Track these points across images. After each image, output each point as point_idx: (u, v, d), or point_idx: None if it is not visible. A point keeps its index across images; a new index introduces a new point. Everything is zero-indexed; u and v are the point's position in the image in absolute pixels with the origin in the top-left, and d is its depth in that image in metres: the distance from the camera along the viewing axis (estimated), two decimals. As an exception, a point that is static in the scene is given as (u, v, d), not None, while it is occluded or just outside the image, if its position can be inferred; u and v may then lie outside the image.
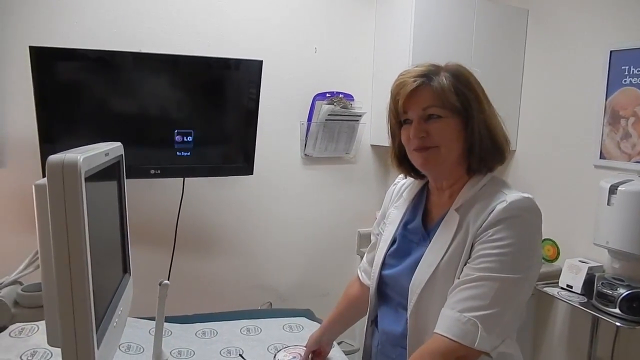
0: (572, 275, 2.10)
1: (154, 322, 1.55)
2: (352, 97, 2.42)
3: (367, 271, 1.29)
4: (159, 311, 0.97)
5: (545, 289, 2.15)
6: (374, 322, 1.21)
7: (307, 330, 1.55)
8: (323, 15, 2.38)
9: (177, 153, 1.90)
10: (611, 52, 2.09)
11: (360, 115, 2.38)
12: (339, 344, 1.56)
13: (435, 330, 0.94)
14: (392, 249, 1.14)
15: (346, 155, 2.50)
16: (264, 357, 1.40)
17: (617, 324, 1.83)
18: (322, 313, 1.52)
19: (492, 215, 0.95)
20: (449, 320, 0.92)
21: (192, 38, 2.10)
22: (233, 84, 1.98)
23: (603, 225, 1.97)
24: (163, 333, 1.52)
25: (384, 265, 1.15)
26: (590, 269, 2.06)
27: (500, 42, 2.44)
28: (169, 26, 2.06)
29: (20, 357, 1.20)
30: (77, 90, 1.73)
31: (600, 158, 2.15)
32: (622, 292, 1.85)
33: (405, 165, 1.13)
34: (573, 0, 2.28)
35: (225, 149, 2.03)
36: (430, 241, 1.04)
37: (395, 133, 1.11)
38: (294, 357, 1.40)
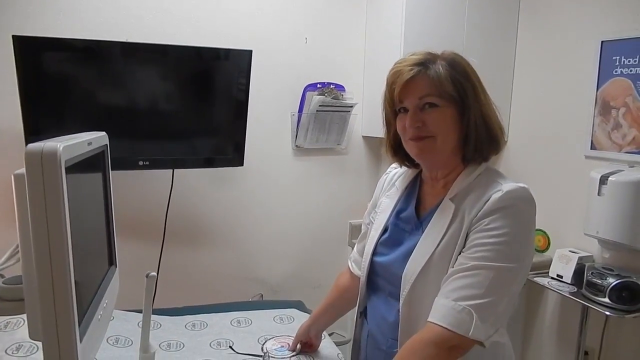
0: (563, 265, 2.11)
1: (141, 315, 1.55)
2: (344, 87, 2.40)
3: (357, 261, 1.29)
4: (146, 303, 0.96)
5: (535, 278, 2.16)
6: (363, 313, 1.20)
7: (297, 321, 1.54)
8: (314, 5, 2.35)
9: (166, 144, 1.88)
10: (602, 42, 2.08)
11: (351, 106, 2.36)
12: (330, 335, 1.55)
13: (428, 319, 0.93)
14: (383, 237, 1.14)
15: (338, 147, 2.49)
16: (254, 349, 1.40)
17: (607, 313, 1.84)
18: (313, 305, 1.52)
19: (487, 204, 0.95)
20: (443, 309, 0.92)
21: (180, 28, 2.07)
22: (222, 74, 1.95)
23: (593, 216, 1.98)
24: (152, 326, 1.52)
25: (375, 253, 1.14)
26: (580, 259, 2.07)
27: (491, 32, 2.43)
28: (157, 15, 2.03)
29: (5, 351, 1.19)
30: (63, 80, 1.70)
31: (591, 149, 2.15)
32: (612, 281, 1.86)
33: (400, 155, 1.12)
34: (564, -10, 2.27)
35: (215, 141, 2.01)
36: (422, 230, 1.04)
37: (390, 122, 1.09)
38: (282, 347, 1.40)
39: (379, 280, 1.13)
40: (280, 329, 1.53)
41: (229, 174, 2.26)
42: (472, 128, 1.01)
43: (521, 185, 0.98)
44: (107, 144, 0.90)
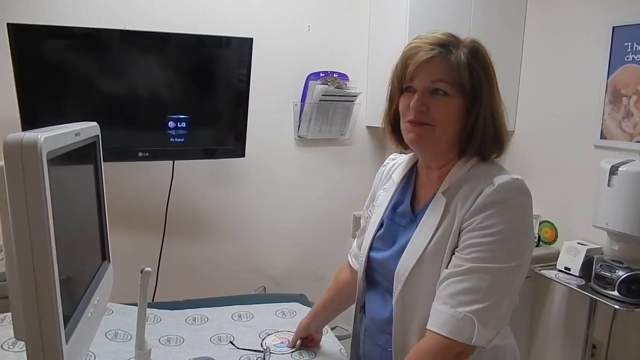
0: (571, 257, 2.07)
1: (143, 309, 1.53)
2: (347, 76, 2.35)
3: (357, 256, 1.25)
4: (141, 299, 0.93)
5: (542, 271, 2.12)
6: (362, 307, 1.17)
7: (299, 315, 1.51)
8: (316, -8, 2.30)
9: (167, 134, 1.85)
10: (614, 28, 2.02)
11: (355, 96, 2.32)
12: (333, 328, 1.53)
13: (428, 327, 0.90)
14: (380, 232, 1.10)
15: (341, 137, 2.45)
16: (255, 344, 1.37)
17: (615, 306, 1.81)
18: (316, 297, 1.49)
19: (479, 199, 0.91)
20: (443, 317, 0.88)
21: (181, 15, 2.02)
22: (222, 63, 1.91)
23: (602, 207, 1.93)
24: (152, 320, 1.50)
25: (372, 249, 1.10)
26: (588, 251, 2.03)
27: (499, 18, 2.37)
28: (155, 2, 1.98)
29: (2, 347, 1.17)
30: (60, 69, 1.67)
31: (601, 138, 2.10)
32: (621, 274, 1.82)
33: (397, 134, 1.06)
34: (574, -25, 2.21)
35: (216, 131, 1.97)
36: (417, 225, 1.00)
37: (394, 97, 1.03)
38: (282, 342, 1.37)
39: (376, 276, 1.10)
40: (282, 323, 1.51)
41: (230, 165, 2.23)
42: (481, 124, 0.95)
43: (514, 176, 0.93)
44: (98, 135, 0.87)
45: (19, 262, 0.56)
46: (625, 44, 1.99)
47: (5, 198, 0.56)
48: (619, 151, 2.02)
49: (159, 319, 1.51)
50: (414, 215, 1.03)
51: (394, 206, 1.09)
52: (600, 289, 1.88)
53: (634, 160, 1.87)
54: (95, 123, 0.86)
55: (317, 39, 2.31)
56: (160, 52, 1.81)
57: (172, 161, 2.03)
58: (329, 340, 1.43)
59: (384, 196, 1.13)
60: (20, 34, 1.56)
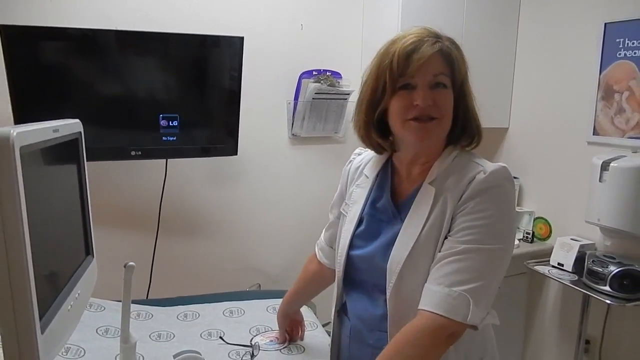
0: (564, 253, 2.07)
1: (134, 306, 1.54)
2: (340, 74, 2.36)
3: (324, 250, 1.27)
4: (124, 293, 0.94)
5: (536, 267, 2.13)
6: (341, 310, 1.16)
7: (290, 311, 1.52)
8: (310, -10, 2.31)
9: (159, 133, 1.86)
10: (605, 24, 2.02)
11: (348, 94, 2.32)
12: (325, 325, 1.53)
13: (421, 307, 0.90)
14: (359, 229, 1.08)
15: (335, 135, 2.46)
16: (245, 340, 1.38)
17: (607, 301, 1.82)
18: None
19: (472, 185, 0.93)
20: (437, 296, 0.89)
21: (172, 15, 2.03)
22: (213, 62, 1.92)
23: (595, 203, 1.94)
24: (144, 316, 1.51)
25: (351, 247, 1.08)
26: (582, 246, 2.03)
27: (492, 15, 2.37)
28: (147, 3, 1.99)
29: None
30: (52, 70, 1.68)
31: (594, 134, 2.10)
32: (613, 269, 1.83)
33: (372, 137, 1.03)
34: (567, -29, 2.21)
35: (208, 129, 1.98)
36: (401, 219, 1.00)
37: (375, 98, 0.98)
38: (271, 341, 1.38)
39: (359, 275, 1.08)
40: (273, 319, 1.51)
41: (224, 164, 2.24)
42: (470, 115, 0.98)
43: (502, 164, 0.95)
44: (80, 132, 0.88)
45: (-7, 255, 0.57)
46: (617, 40, 1.99)
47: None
48: (612, 147, 2.02)
49: (150, 315, 1.53)
50: (397, 210, 1.03)
51: (373, 202, 1.08)
52: (593, 285, 1.89)
53: (625, 156, 1.87)
54: (77, 120, 0.87)
55: (310, 37, 2.32)
56: (153, 51, 1.82)
57: (165, 160, 2.04)
58: (318, 335, 1.43)
59: (359, 193, 1.11)
60: (12, 35, 1.57)
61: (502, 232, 0.92)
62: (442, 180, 0.97)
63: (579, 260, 2.00)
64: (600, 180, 1.89)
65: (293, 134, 2.37)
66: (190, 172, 2.20)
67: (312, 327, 1.47)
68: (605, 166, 1.88)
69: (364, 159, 1.16)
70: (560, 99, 2.26)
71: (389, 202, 1.05)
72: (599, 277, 1.86)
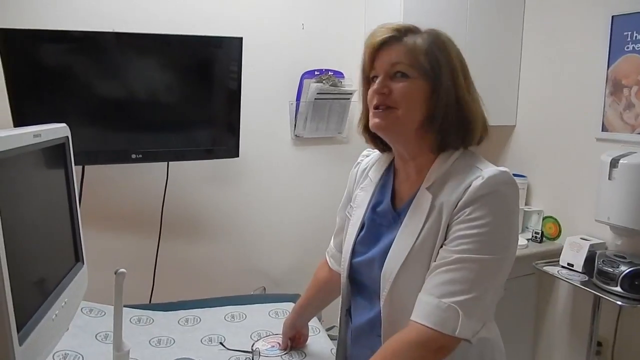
0: (574, 253, 2.03)
1: (135, 311, 1.54)
2: (342, 74, 2.33)
3: (335, 256, 1.24)
4: (116, 299, 0.93)
5: (545, 267, 2.08)
6: (348, 311, 1.14)
7: (293, 316, 1.50)
8: (310, -11, 2.28)
9: (159, 136, 1.84)
10: (613, 17, 1.97)
11: (350, 94, 2.30)
12: (329, 329, 1.51)
13: (412, 318, 0.88)
14: (361, 234, 1.07)
15: (338, 135, 2.43)
16: (246, 345, 1.36)
17: (618, 302, 1.76)
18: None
19: (468, 192, 0.89)
20: (427, 307, 0.86)
21: (173, 16, 2.02)
22: (213, 63, 1.90)
23: (604, 201, 1.89)
24: (145, 321, 1.50)
25: (354, 252, 1.07)
26: (592, 246, 1.98)
27: (497, 10, 2.33)
28: (145, 4, 1.98)
29: None
30: (50, 73, 1.67)
31: (602, 130, 2.05)
32: (624, 269, 1.78)
33: (370, 132, 1.03)
34: (573, -36, 2.16)
35: (208, 132, 1.97)
36: (401, 224, 0.97)
37: (365, 95, 1.02)
38: (273, 347, 1.36)
39: (362, 280, 1.07)
40: (275, 323, 1.50)
41: (227, 166, 2.22)
42: (441, 109, 0.93)
43: (502, 169, 0.91)
44: (67, 136, 0.86)
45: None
46: (625, 34, 1.94)
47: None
48: (621, 143, 1.97)
49: (151, 320, 1.51)
50: (396, 214, 1.01)
51: (374, 206, 1.06)
52: (603, 285, 1.84)
53: (635, 153, 1.83)
54: (64, 124, 0.85)
55: (311, 37, 2.30)
56: (153, 53, 1.80)
57: (166, 163, 2.03)
58: (320, 341, 1.41)
59: (362, 196, 1.10)
60: (10, 39, 1.57)
61: (499, 241, 0.88)
62: (440, 186, 0.94)
63: (589, 260, 1.95)
64: (609, 178, 1.84)
65: (296, 135, 2.35)
66: (192, 174, 2.19)
67: (315, 332, 1.45)
68: (614, 163, 1.83)
69: (370, 161, 1.15)
70: (568, 94, 2.21)
71: (388, 206, 1.03)
72: (610, 278, 1.81)
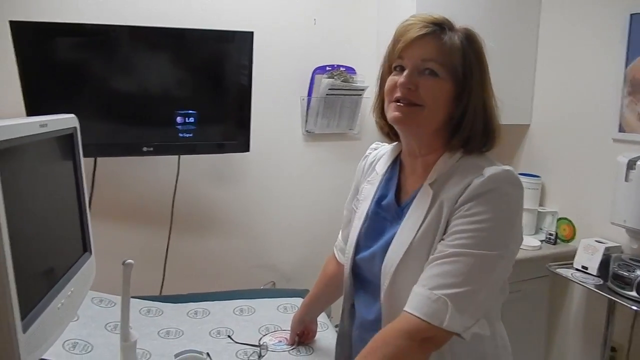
0: (588, 256, 1.98)
1: (145, 302, 1.55)
2: (354, 70, 2.31)
3: (343, 250, 1.23)
4: (124, 291, 0.93)
5: (558, 270, 2.04)
6: (353, 306, 1.13)
7: (301, 311, 1.50)
8: (323, -16, 2.27)
9: (176, 129, 1.85)
10: (631, 15, 1.92)
11: (363, 89, 2.28)
12: (336, 326, 1.51)
13: (404, 308, 0.87)
14: (365, 228, 1.06)
15: (350, 132, 2.42)
16: (254, 339, 1.37)
17: (634, 308, 1.72)
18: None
19: (468, 189, 0.88)
20: (418, 298, 0.86)
21: (184, 10, 2.02)
22: (224, 58, 1.90)
23: (620, 203, 1.85)
24: (154, 313, 1.51)
25: (358, 247, 1.07)
26: (607, 249, 1.94)
27: (512, 6, 2.29)
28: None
29: None
30: (63, 66, 1.68)
31: (619, 131, 2.01)
32: (640, 273, 1.74)
33: (380, 120, 1.03)
34: (591, -40, 2.11)
35: (219, 126, 1.97)
36: (403, 218, 0.96)
37: (384, 79, 1.00)
38: (280, 341, 1.36)
39: (365, 274, 1.06)
40: (283, 318, 1.50)
41: (237, 161, 2.22)
42: (471, 113, 0.92)
43: (505, 167, 0.89)
44: (76, 127, 0.86)
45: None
46: (645, 32, 1.89)
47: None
48: (638, 145, 1.93)
49: (160, 312, 1.53)
50: (400, 209, 1.00)
51: (379, 199, 1.06)
52: (619, 289, 1.80)
53: (653, 154, 1.78)
54: (72, 115, 0.86)
55: (323, 32, 2.28)
56: (165, 47, 1.81)
57: (177, 157, 2.03)
58: (328, 336, 1.41)
59: (368, 189, 1.09)
60: (23, 32, 1.58)
61: (497, 238, 0.86)
62: (442, 183, 0.93)
63: (604, 263, 1.91)
64: (626, 180, 1.80)
65: (307, 131, 2.35)
66: (202, 168, 2.19)
67: (323, 327, 1.44)
68: (631, 165, 1.79)
69: (378, 154, 1.14)
70: (585, 93, 2.16)
71: (392, 200, 1.02)
72: (625, 282, 1.77)
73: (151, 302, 1.57)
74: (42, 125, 0.70)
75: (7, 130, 0.59)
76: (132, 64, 1.76)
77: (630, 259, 1.82)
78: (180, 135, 1.86)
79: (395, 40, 0.95)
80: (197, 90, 1.89)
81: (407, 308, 0.86)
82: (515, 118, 2.39)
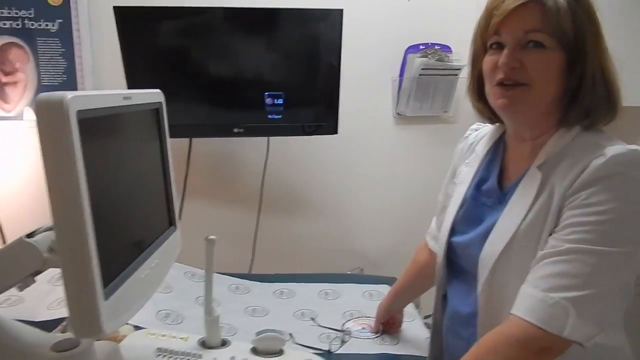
0: None
1: (234, 279, 1.62)
2: (450, 48, 2.17)
3: (435, 237, 1.15)
4: (207, 266, 0.95)
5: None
6: (445, 297, 1.06)
7: (386, 299, 1.45)
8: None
9: (265, 111, 1.87)
10: None
11: (459, 69, 2.14)
12: (426, 317, 1.45)
13: (513, 312, 0.77)
14: (461, 213, 0.98)
15: (444, 114, 2.29)
16: (336, 323, 1.35)
17: None
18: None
19: (585, 173, 0.76)
20: (531, 301, 0.75)
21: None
22: (314, 37, 1.86)
23: None
24: (242, 290, 1.56)
25: (453, 231, 0.99)
26: None
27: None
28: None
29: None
30: (163, 49, 1.76)
31: None
32: None
33: (484, 102, 0.93)
34: None
35: (310, 107, 1.95)
36: (506, 204, 0.86)
37: (477, 59, 0.91)
38: (363, 328, 1.32)
39: (459, 262, 0.99)
40: (368, 304, 1.47)
41: (325, 143, 2.20)
42: (589, 83, 0.80)
43: (632, 147, 0.76)
44: (161, 102, 0.88)
45: (54, 218, 0.57)
46: None
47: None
48: None
49: (248, 290, 1.57)
50: (502, 194, 0.90)
51: (478, 183, 0.97)
52: None
53: None
54: (158, 90, 0.88)
55: (417, 8, 2.16)
56: (258, 27, 1.81)
57: (267, 139, 2.06)
58: (414, 327, 1.35)
59: (467, 172, 1.01)
60: (125, 16, 1.66)
61: (623, 232, 0.74)
62: (554, 165, 0.82)
63: None
64: None
65: (398, 113, 2.26)
66: (292, 151, 2.20)
67: (410, 318, 1.39)
68: None
69: (479, 135, 1.05)
70: None
71: (494, 184, 0.92)
72: None
73: (240, 279, 1.62)
74: (126, 98, 0.71)
75: (90, 100, 0.60)
76: (226, 44, 1.78)
77: None
78: (269, 116, 1.87)
79: (488, 13, 0.84)
80: (286, 71, 1.89)
81: (518, 312, 0.77)
82: (637, 99, 2.10)
